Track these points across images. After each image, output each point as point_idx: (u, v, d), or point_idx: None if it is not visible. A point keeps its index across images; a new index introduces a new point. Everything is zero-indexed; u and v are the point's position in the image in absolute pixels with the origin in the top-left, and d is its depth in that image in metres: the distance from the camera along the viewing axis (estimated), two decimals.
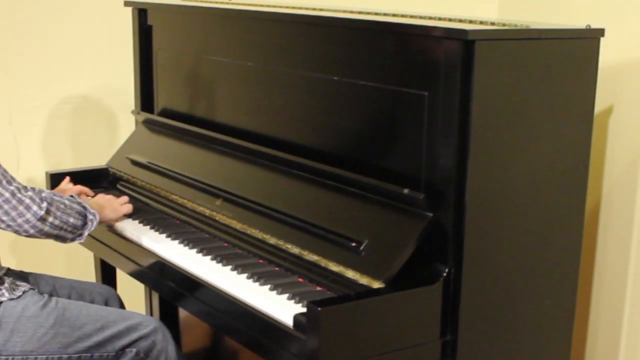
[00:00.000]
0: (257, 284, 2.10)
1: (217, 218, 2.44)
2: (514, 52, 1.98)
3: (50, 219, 2.17)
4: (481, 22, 2.14)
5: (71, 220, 2.22)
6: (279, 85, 2.47)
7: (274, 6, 2.70)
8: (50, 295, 2.28)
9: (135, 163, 2.83)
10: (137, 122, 3.02)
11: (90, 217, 2.29)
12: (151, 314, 3.08)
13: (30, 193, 2.14)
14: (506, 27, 2.07)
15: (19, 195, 2.12)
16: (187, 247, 2.36)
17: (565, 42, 2.10)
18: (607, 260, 2.72)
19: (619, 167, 2.65)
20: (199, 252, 2.32)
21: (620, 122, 2.64)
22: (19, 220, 2.12)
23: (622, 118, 2.63)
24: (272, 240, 2.25)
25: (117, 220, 2.55)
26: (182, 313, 2.98)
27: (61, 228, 2.21)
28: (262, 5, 2.71)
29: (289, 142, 2.42)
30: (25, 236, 2.18)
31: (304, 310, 1.88)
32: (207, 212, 2.48)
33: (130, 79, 3.05)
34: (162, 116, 2.94)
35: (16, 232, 2.16)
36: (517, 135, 2.04)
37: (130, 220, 2.59)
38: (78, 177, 2.82)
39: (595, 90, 2.17)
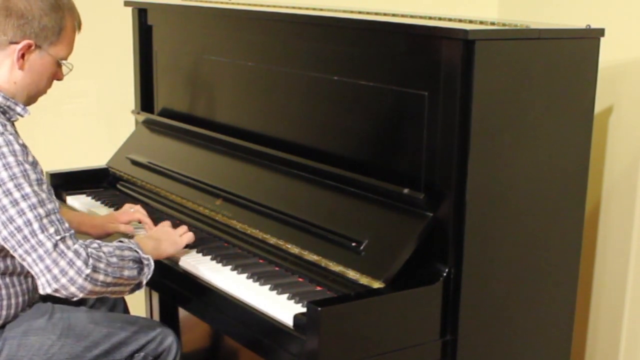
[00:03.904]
0: (257, 284, 2.10)
1: (217, 218, 2.44)
2: (514, 52, 1.98)
3: (101, 277, 1.90)
4: (481, 22, 2.14)
5: (126, 273, 1.97)
6: (279, 85, 2.47)
7: (274, 6, 2.70)
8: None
9: (135, 163, 2.83)
10: (137, 122, 3.02)
11: (145, 262, 2.03)
12: (151, 314, 3.08)
13: (76, 246, 1.88)
14: (506, 27, 2.07)
15: (61, 246, 1.85)
16: (186, 247, 2.36)
17: (565, 42, 2.10)
18: (607, 260, 2.72)
19: (619, 167, 2.65)
20: (198, 252, 2.32)
21: (620, 122, 2.64)
22: (63, 281, 1.85)
23: (622, 118, 2.63)
24: (272, 240, 2.25)
25: (177, 254, 2.27)
26: (182, 313, 2.98)
27: (115, 284, 1.96)
28: (262, 5, 2.71)
29: (289, 142, 2.42)
30: (76, 300, 1.95)
31: (304, 310, 1.88)
32: (207, 212, 2.48)
33: (130, 79, 3.05)
34: (162, 116, 2.94)
35: (65, 296, 1.89)
36: (517, 135, 2.04)
37: None
38: (78, 177, 2.82)
39: (595, 90, 2.17)
